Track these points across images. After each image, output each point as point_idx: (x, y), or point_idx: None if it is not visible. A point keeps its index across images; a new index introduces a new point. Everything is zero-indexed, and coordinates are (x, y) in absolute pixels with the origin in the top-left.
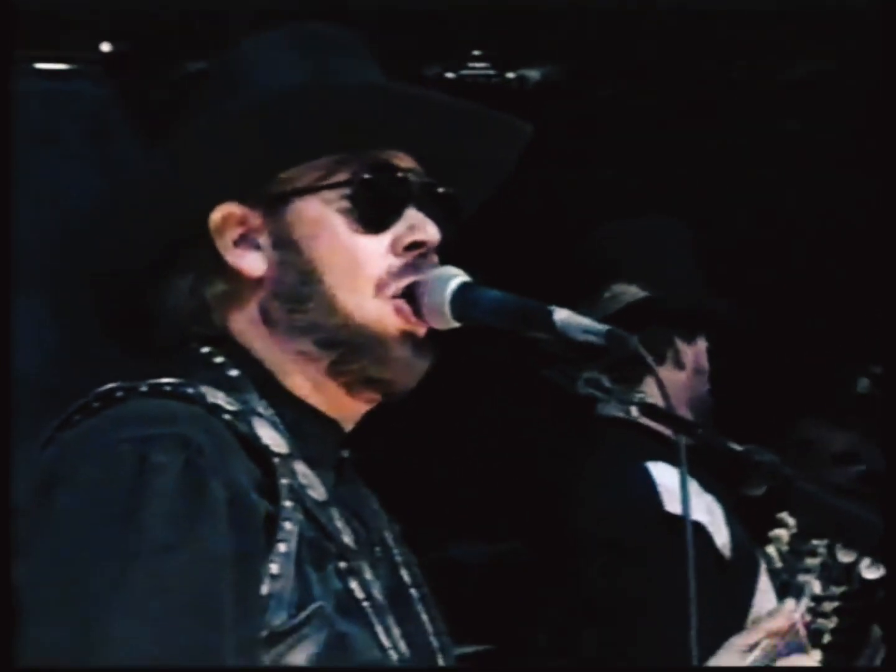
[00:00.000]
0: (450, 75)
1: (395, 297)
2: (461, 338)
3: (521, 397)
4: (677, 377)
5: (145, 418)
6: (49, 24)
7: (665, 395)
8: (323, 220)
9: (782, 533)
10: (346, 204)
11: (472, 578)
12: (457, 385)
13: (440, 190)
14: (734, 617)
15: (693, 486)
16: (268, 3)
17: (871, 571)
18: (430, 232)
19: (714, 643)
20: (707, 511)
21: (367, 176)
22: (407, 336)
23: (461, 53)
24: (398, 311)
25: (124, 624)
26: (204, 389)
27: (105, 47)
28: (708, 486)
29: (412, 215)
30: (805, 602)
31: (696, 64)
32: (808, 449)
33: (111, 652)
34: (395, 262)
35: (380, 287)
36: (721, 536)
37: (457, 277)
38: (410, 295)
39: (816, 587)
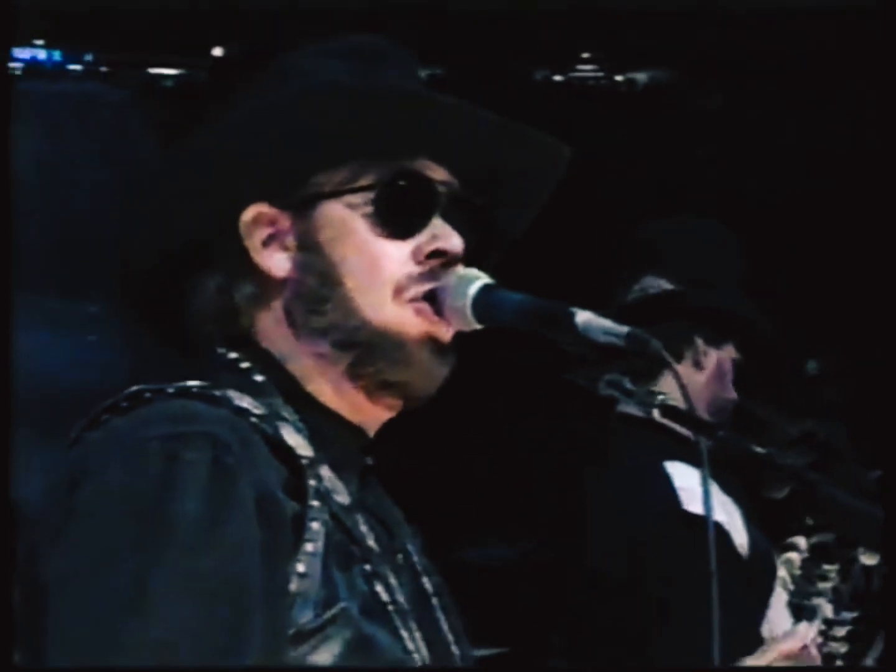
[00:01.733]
0: (558, 78)
1: (414, 300)
2: (483, 339)
3: (542, 398)
4: (695, 378)
5: (173, 417)
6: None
7: (686, 397)
8: (347, 223)
9: (794, 557)
10: (370, 209)
11: (491, 580)
12: (477, 387)
13: (471, 202)
14: (751, 616)
15: (713, 487)
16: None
17: (848, 585)
18: (454, 242)
19: (732, 642)
20: (725, 512)
21: (393, 182)
22: (427, 339)
23: (570, 56)
24: (419, 313)
25: (152, 621)
26: (231, 393)
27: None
28: (726, 488)
29: (437, 224)
30: (817, 624)
31: (804, 64)
32: (763, 431)
33: (137, 648)
34: (416, 269)
35: (398, 291)
36: (739, 536)
37: (479, 279)
38: (432, 298)
39: (828, 611)
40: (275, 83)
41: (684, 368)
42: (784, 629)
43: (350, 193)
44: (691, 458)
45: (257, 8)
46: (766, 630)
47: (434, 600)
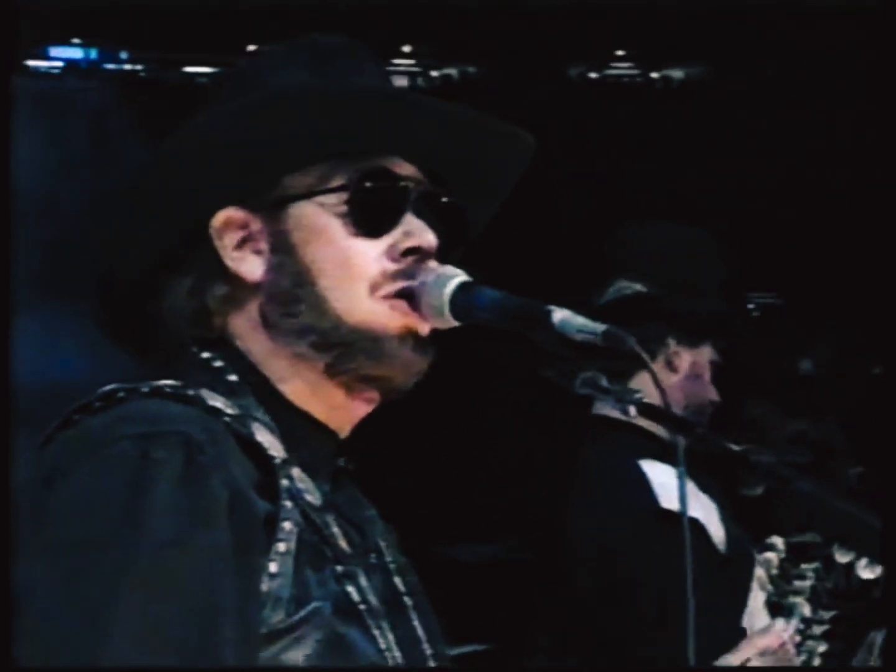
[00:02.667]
0: (593, 75)
1: (389, 297)
2: (460, 337)
3: (521, 397)
4: (668, 379)
5: (146, 417)
6: (52, 24)
7: (663, 394)
8: (320, 224)
9: (771, 556)
10: (343, 209)
11: (472, 578)
12: (456, 385)
13: (441, 198)
14: (730, 612)
15: (690, 484)
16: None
17: (867, 571)
18: (427, 238)
19: (710, 639)
20: (702, 508)
21: (364, 181)
22: (404, 333)
23: (605, 53)
24: (394, 308)
25: (124, 618)
26: (204, 393)
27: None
28: (703, 485)
29: (410, 221)
30: (795, 623)
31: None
32: (754, 430)
33: (110, 648)
34: (391, 266)
35: (373, 289)
36: (716, 533)
37: (456, 277)
38: (409, 294)
39: (806, 610)
40: (241, 88)
41: (657, 369)
42: (761, 626)
43: (322, 194)
44: (667, 457)
45: (293, 4)
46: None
47: (406, 599)
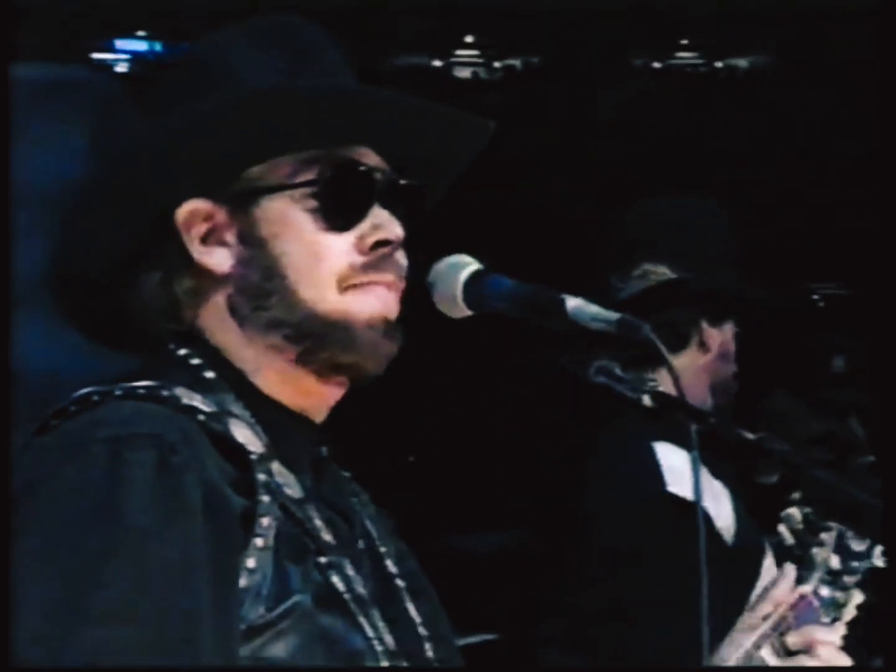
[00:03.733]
0: (657, 65)
1: (357, 286)
2: (472, 326)
3: (530, 384)
4: (701, 360)
5: (119, 420)
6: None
7: (677, 382)
8: (289, 218)
9: (794, 512)
10: (312, 203)
11: (481, 567)
12: (466, 373)
13: (404, 184)
14: (732, 601)
15: (702, 470)
16: None
17: (881, 560)
18: (395, 231)
19: (711, 628)
20: (711, 496)
21: (332, 175)
22: (374, 320)
23: (669, 43)
24: (362, 297)
25: (103, 618)
26: (179, 391)
27: None
28: (717, 472)
29: (377, 213)
30: (818, 574)
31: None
32: (782, 422)
33: (88, 651)
34: (360, 258)
35: (342, 280)
36: (722, 520)
37: (470, 266)
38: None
39: (834, 561)
40: (202, 80)
41: (691, 352)
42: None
43: (291, 188)
44: (683, 441)
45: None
46: None
47: (399, 582)
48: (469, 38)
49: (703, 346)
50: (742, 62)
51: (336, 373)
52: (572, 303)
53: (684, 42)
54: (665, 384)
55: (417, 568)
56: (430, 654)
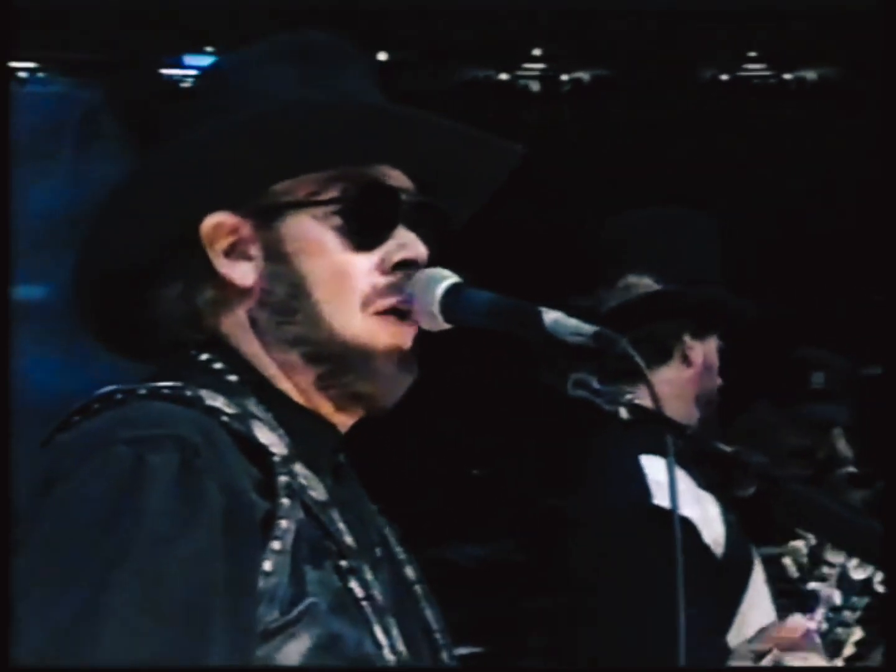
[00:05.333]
0: (724, 77)
1: (379, 313)
2: (455, 339)
3: (515, 398)
4: (685, 374)
5: (143, 420)
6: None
7: (653, 395)
8: (314, 235)
9: (799, 544)
10: (337, 221)
11: (464, 579)
12: (449, 386)
13: (430, 206)
14: (721, 612)
15: (688, 482)
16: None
17: (857, 572)
18: (419, 251)
19: (700, 638)
20: (699, 507)
21: (357, 194)
22: (391, 350)
23: (737, 55)
24: (382, 325)
25: (116, 620)
26: (203, 393)
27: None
28: (706, 484)
29: (402, 234)
30: (821, 611)
31: None
32: (762, 435)
33: (102, 651)
34: (382, 280)
35: (366, 303)
36: (711, 532)
37: (447, 279)
38: (398, 310)
39: (836, 597)
40: (231, 96)
41: (675, 366)
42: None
43: (316, 206)
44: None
45: (420, 12)
46: (737, 624)
47: (417, 588)
48: (537, 51)
49: (686, 360)
50: (811, 73)
51: (353, 404)
52: (550, 316)
53: (753, 54)
54: (646, 397)
55: (423, 576)
56: (446, 661)
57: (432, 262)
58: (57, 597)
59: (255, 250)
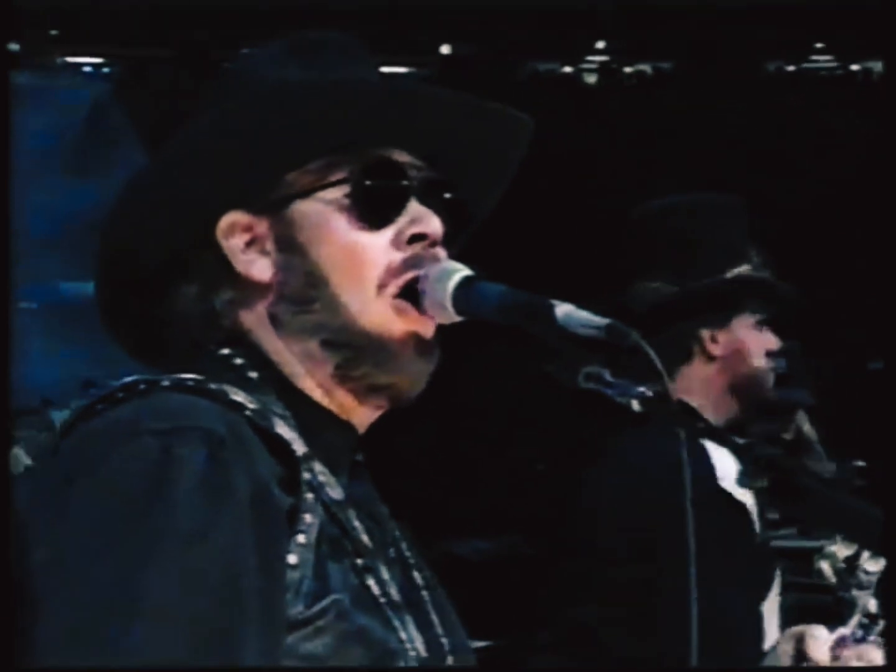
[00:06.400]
0: (790, 68)
1: (395, 296)
2: (463, 333)
3: (524, 392)
4: (709, 369)
5: (168, 412)
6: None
7: (664, 385)
8: (324, 219)
9: (836, 549)
10: (345, 202)
11: (472, 574)
12: (458, 381)
13: (443, 185)
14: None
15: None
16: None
17: (872, 564)
18: (433, 224)
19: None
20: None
21: (364, 172)
22: (410, 338)
23: (804, 46)
24: (399, 311)
25: (144, 619)
26: (226, 387)
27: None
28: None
29: (414, 208)
30: (857, 618)
31: None
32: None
33: (130, 646)
34: (397, 256)
35: (381, 287)
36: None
37: (460, 272)
38: (411, 293)
39: (872, 605)
40: (236, 87)
41: (697, 363)
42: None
43: (323, 189)
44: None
45: (483, 6)
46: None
47: (424, 594)
48: (600, 44)
49: (706, 355)
50: (878, 65)
51: (373, 394)
52: (561, 309)
53: (819, 45)
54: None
55: (434, 578)
56: (451, 663)
57: (451, 242)
58: (87, 590)
59: (269, 245)
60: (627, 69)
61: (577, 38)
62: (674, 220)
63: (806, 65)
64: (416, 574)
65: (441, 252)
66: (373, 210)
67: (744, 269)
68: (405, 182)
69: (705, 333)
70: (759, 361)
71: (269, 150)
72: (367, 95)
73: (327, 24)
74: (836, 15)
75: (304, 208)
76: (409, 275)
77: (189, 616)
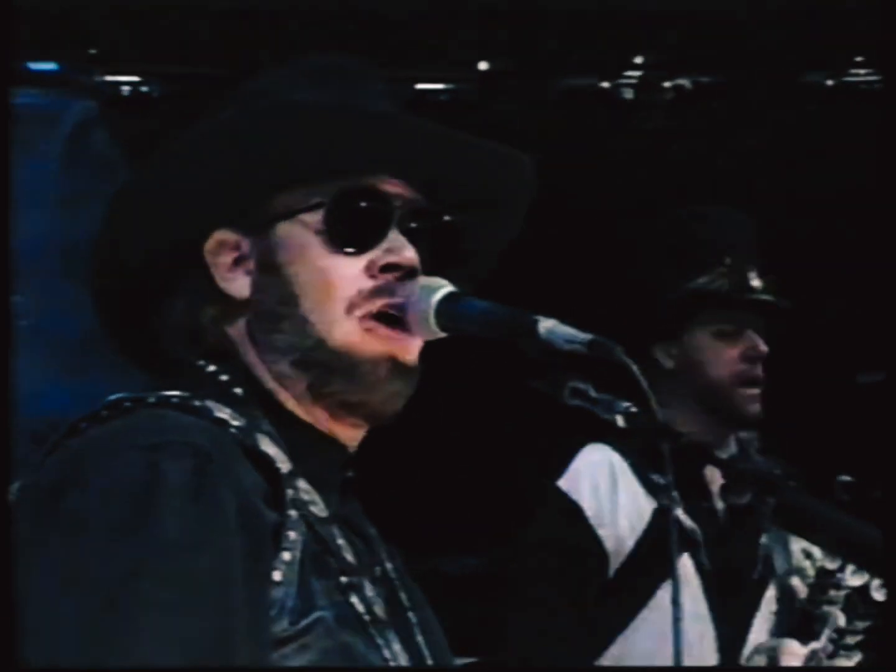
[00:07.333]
0: (830, 82)
1: (366, 318)
2: (447, 348)
3: (509, 407)
4: (670, 384)
5: (155, 428)
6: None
7: (648, 401)
8: (302, 242)
9: (807, 565)
10: (321, 226)
11: (457, 590)
12: (442, 394)
13: (429, 213)
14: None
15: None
16: None
17: (855, 579)
18: (407, 255)
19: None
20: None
21: (342, 197)
22: (384, 359)
23: (843, 59)
24: (369, 331)
25: (134, 633)
26: (210, 404)
27: None
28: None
29: (392, 238)
30: (828, 632)
31: None
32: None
33: (120, 658)
34: (368, 283)
35: (350, 308)
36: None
37: (443, 287)
38: (387, 316)
39: (841, 620)
40: (233, 104)
41: (660, 380)
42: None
43: (303, 212)
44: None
45: (519, 23)
46: None
47: (410, 615)
48: (638, 59)
49: (663, 369)
50: None
51: (347, 412)
52: (545, 324)
53: (859, 59)
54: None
55: (423, 599)
56: None
57: (443, 269)
58: (76, 606)
59: (252, 264)
60: (666, 84)
61: (615, 52)
62: (651, 234)
63: (846, 78)
64: (402, 595)
65: (419, 281)
66: (348, 236)
67: (702, 280)
68: (385, 210)
69: (659, 349)
70: (720, 371)
71: (254, 170)
72: (358, 122)
73: (361, 42)
74: (875, 27)
75: (286, 229)
76: (381, 301)
77: (178, 633)
